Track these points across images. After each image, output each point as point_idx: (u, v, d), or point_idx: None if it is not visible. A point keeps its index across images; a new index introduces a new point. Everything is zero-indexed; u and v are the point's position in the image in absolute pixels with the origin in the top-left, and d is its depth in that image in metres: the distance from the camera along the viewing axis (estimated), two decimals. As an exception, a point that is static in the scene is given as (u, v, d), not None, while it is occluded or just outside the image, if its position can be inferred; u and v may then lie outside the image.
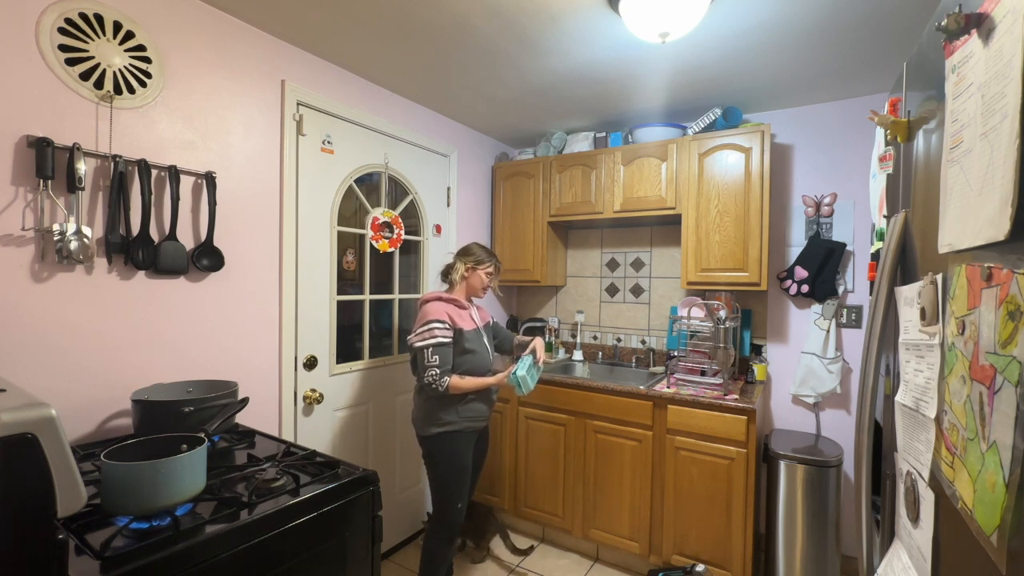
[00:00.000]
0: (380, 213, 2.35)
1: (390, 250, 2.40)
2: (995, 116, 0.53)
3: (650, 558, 2.27)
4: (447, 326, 1.85)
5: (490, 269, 2.03)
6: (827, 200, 2.42)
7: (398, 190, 2.51)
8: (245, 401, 1.42)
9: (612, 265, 3.03)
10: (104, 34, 1.42)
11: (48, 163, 1.28)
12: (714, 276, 2.38)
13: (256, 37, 1.81)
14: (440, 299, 1.94)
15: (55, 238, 1.31)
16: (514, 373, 1.84)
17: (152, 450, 1.07)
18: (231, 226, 1.74)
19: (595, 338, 3.09)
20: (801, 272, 2.40)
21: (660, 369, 2.71)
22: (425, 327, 1.83)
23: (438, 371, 1.77)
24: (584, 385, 2.41)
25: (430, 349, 1.79)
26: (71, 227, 1.32)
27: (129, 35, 1.46)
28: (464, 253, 2.04)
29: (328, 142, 2.09)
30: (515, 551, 2.37)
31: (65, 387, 1.36)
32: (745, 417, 2.04)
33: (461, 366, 1.89)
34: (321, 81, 2.05)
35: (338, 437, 2.17)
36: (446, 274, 2.06)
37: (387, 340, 2.48)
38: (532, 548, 2.44)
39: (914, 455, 0.75)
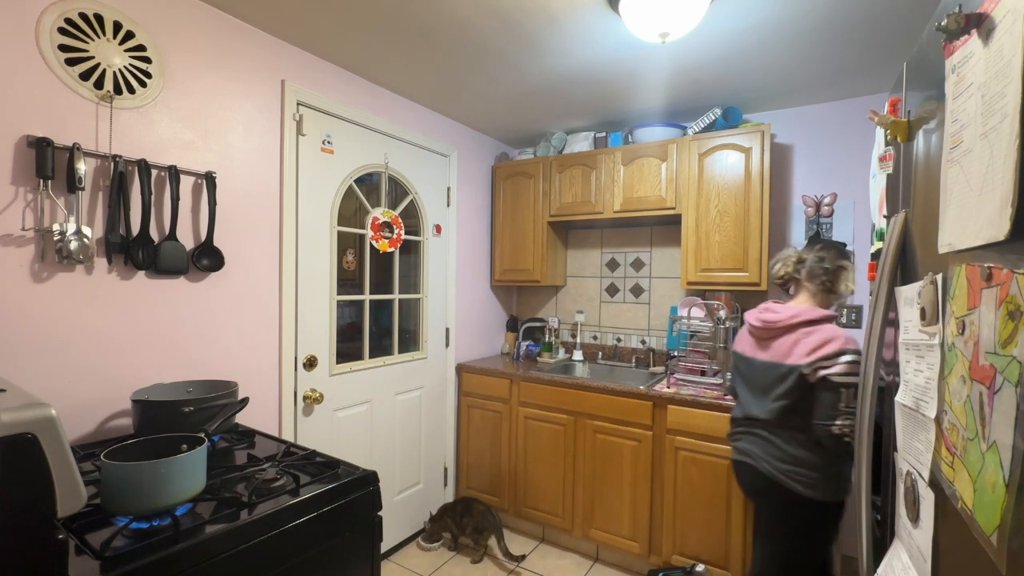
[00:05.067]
0: (380, 213, 2.35)
1: (390, 250, 2.40)
2: (995, 116, 0.53)
3: (650, 558, 2.27)
4: None
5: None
6: (827, 200, 2.42)
7: (398, 190, 2.50)
8: (245, 401, 1.42)
9: (612, 265, 3.03)
10: (104, 34, 1.42)
11: (48, 163, 1.28)
12: (714, 276, 2.38)
13: (256, 37, 1.81)
14: (838, 320, 1.45)
15: (55, 238, 1.31)
16: None
17: (152, 450, 1.07)
18: (231, 226, 1.74)
19: (595, 338, 3.09)
20: (801, 272, 2.40)
21: (660, 369, 2.70)
22: (844, 355, 1.32)
23: (854, 423, 1.16)
24: (584, 385, 2.41)
25: (853, 390, 1.26)
26: (71, 227, 1.32)
27: (129, 35, 1.46)
28: (845, 255, 1.53)
29: (328, 142, 2.09)
30: (508, 555, 2.35)
31: (65, 387, 1.36)
32: (745, 417, 2.03)
33: None
34: (321, 81, 2.05)
35: (338, 437, 2.16)
36: (831, 282, 1.50)
37: (387, 340, 2.48)
38: (524, 557, 2.41)
39: (914, 455, 0.75)
